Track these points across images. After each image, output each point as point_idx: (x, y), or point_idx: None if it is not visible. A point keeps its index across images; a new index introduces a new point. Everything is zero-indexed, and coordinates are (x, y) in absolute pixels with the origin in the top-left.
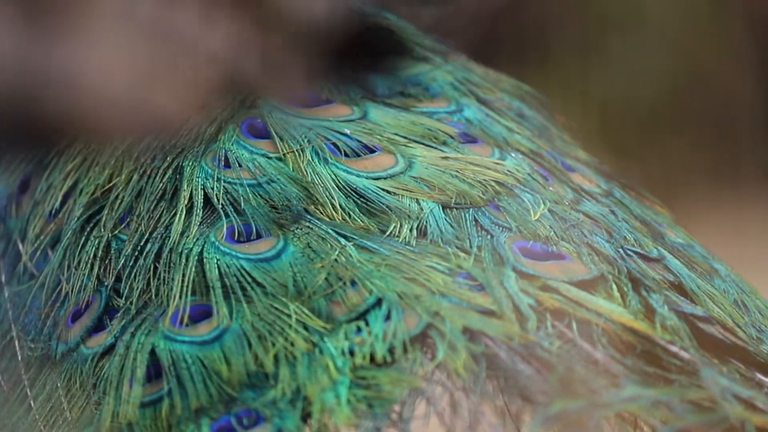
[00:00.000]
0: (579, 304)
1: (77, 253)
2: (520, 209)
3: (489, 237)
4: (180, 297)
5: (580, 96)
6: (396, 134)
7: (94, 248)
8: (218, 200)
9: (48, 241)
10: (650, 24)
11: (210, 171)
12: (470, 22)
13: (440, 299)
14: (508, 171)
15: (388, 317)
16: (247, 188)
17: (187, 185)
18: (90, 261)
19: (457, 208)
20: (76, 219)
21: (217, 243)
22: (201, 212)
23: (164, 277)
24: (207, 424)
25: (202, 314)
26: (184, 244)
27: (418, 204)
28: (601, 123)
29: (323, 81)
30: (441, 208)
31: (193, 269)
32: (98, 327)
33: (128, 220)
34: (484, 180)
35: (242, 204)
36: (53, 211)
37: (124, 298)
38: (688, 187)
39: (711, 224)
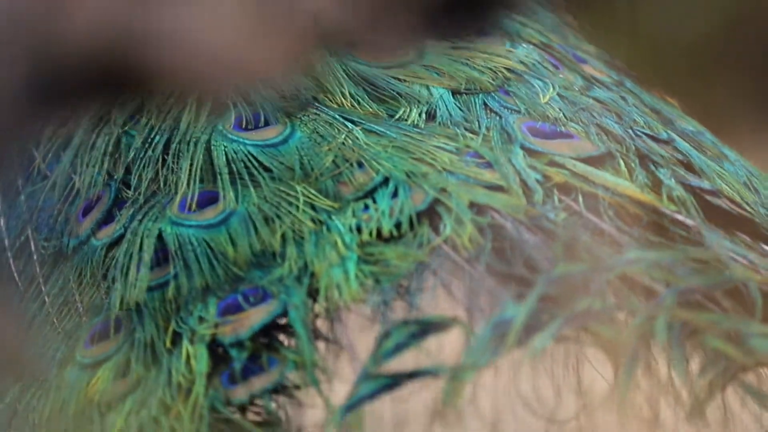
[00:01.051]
0: (586, 178)
1: (88, 150)
2: (529, 93)
3: (498, 118)
4: (187, 184)
5: (628, 33)
6: None
7: (104, 144)
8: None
9: (60, 143)
10: None
11: None
12: None
13: (447, 176)
14: (519, 59)
15: (395, 194)
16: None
17: None
18: (100, 157)
19: (466, 93)
20: (87, 118)
21: (224, 131)
22: (210, 104)
23: (172, 166)
24: (214, 303)
25: (208, 200)
26: (192, 134)
27: (428, 90)
28: (650, 60)
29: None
30: (451, 93)
31: (201, 157)
32: (108, 219)
33: (138, 116)
34: (495, 67)
35: (251, 97)
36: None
37: (133, 190)
38: (737, 125)
39: (759, 163)
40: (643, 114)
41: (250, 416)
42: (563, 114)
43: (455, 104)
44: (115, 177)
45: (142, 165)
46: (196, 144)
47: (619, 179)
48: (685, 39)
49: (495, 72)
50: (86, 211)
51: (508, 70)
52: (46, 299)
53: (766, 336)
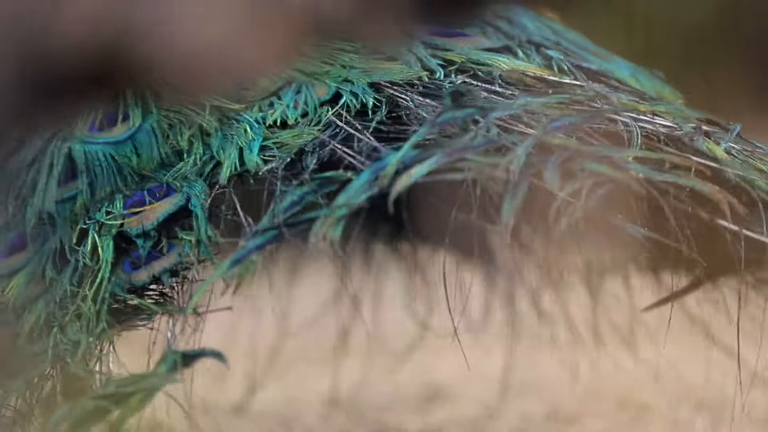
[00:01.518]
0: (481, 62)
1: None
2: None
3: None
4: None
5: (624, 16)
6: None
7: None
8: None
9: None
10: None
11: None
12: None
13: (349, 70)
14: None
15: (298, 92)
16: None
17: None
18: None
19: None
20: None
21: None
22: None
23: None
24: (120, 199)
25: (115, 119)
26: None
27: None
28: (645, 45)
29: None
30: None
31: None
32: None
33: None
34: None
35: None
36: None
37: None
38: (733, 113)
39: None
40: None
41: (147, 299)
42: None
43: None
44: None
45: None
46: None
47: (516, 61)
48: (680, 23)
49: None
50: None
51: None
52: None
53: (639, 161)
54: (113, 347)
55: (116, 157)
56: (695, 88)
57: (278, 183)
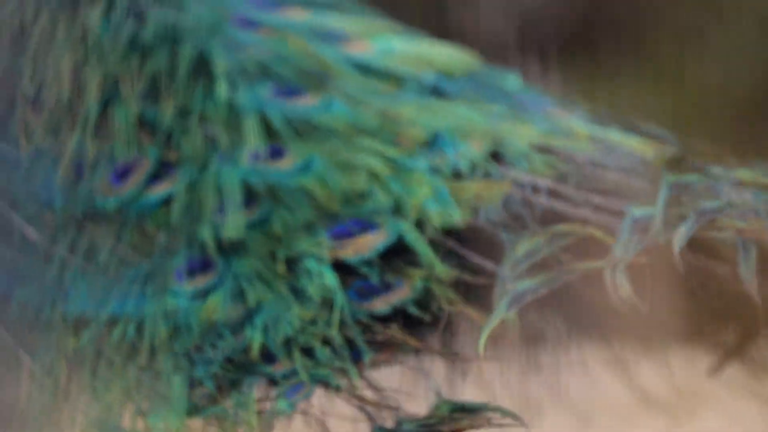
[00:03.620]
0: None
1: (104, 128)
2: (500, 79)
3: (496, 92)
4: (253, 140)
5: (675, 84)
6: (359, 28)
7: (124, 119)
8: (252, 70)
9: (51, 127)
10: (747, 10)
11: (230, 50)
12: (566, 7)
13: (494, 126)
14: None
15: (453, 144)
16: (274, 60)
17: (218, 60)
18: (121, 131)
19: (448, 76)
20: (92, 104)
21: (266, 99)
22: (237, 79)
23: (222, 129)
24: (322, 231)
25: (274, 153)
26: (235, 99)
27: (419, 72)
28: (697, 112)
29: None
30: (438, 74)
31: (256, 118)
32: (154, 179)
33: (154, 95)
34: (454, 59)
35: (277, 70)
36: (53, 104)
37: (180, 153)
38: None
39: None
40: None
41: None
42: None
43: (448, 81)
44: (152, 144)
45: (184, 133)
46: (239, 109)
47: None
48: (731, 90)
49: (461, 62)
50: (121, 176)
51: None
52: (78, 259)
53: None
54: (368, 373)
55: (303, 188)
56: (746, 151)
57: (499, 230)
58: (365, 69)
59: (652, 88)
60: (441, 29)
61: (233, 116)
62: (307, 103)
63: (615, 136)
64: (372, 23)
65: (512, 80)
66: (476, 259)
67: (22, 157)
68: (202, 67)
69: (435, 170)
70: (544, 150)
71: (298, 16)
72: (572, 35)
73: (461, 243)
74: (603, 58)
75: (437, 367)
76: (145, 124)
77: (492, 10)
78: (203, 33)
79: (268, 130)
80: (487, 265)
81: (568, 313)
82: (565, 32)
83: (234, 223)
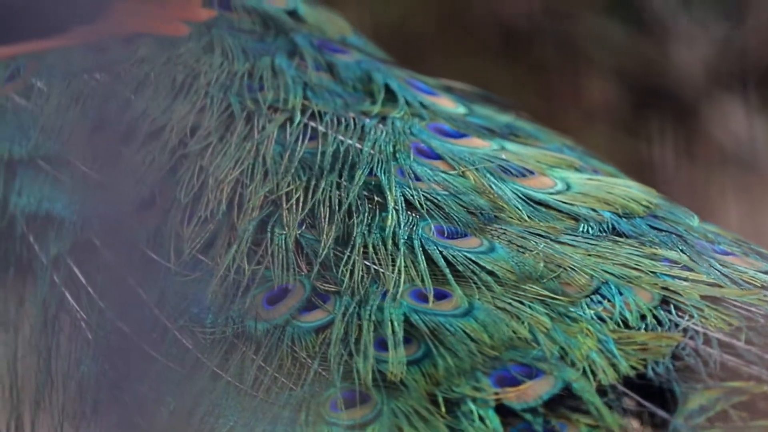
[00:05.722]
0: None
1: (260, 249)
2: (679, 218)
3: (671, 235)
4: (421, 280)
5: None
6: (538, 162)
7: (278, 245)
8: (421, 205)
9: (204, 240)
10: None
11: (403, 182)
12: (761, 43)
13: (661, 276)
14: (640, 193)
15: (621, 292)
16: (444, 197)
17: (391, 191)
18: (278, 255)
19: (626, 216)
20: (250, 221)
21: (430, 238)
22: (405, 214)
23: (386, 263)
24: (483, 376)
25: (437, 295)
26: (401, 234)
27: (596, 211)
28: None
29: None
30: (615, 215)
31: (422, 256)
32: (308, 307)
33: (309, 221)
34: (635, 197)
35: (445, 208)
36: (208, 216)
37: (339, 283)
38: None
39: None
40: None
41: None
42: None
43: (625, 223)
44: (306, 273)
45: (341, 263)
46: (411, 246)
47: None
48: None
49: (638, 201)
50: (273, 301)
51: (643, 201)
52: (237, 381)
53: None
54: None
55: (465, 330)
56: None
57: (670, 381)
58: (539, 206)
59: None
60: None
61: (396, 251)
62: (470, 246)
63: None
64: (553, 154)
65: (693, 219)
66: (646, 409)
67: (174, 269)
68: (371, 196)
69: (601, 319)
70: (716, 300)
71: (479, 145)
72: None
73: (630, 392)
74: None
75: None
76: (303, 249)
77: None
78: (381, 160)
79: (432, 270)
80: (658, 415)
81: None
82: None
83: (397, 361)
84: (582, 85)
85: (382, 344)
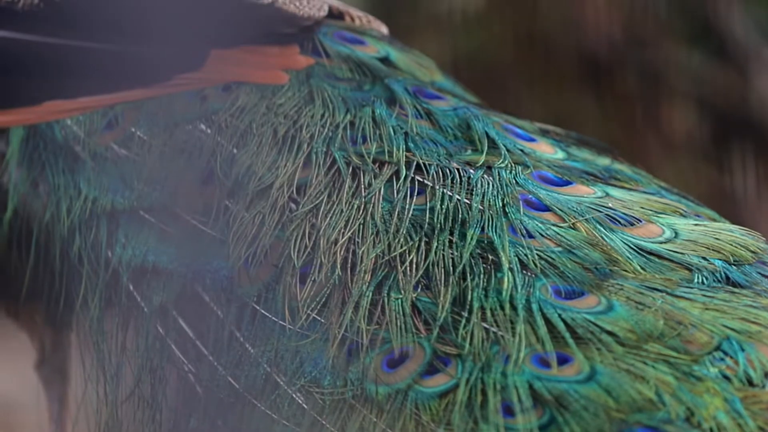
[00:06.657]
0: None
1: (376, 311)
2: None
3: None
4: (542, 345)
5: None
6: (643, 208)
7: (396, 310)
8: (535, 264)
9: (316, 303)
10: None
11: (516, 241)
12: None
13: None
14: (746, 238)
15: (743, 348)
16: (558, 254)
17: (504, 251)
18: (396, 319)
19: (737, 264)
20: (366, 284)
21: (547, 300)
22: (520, 275)
23: (505, 327)
24: None
25: (559, 360)
26: (519, 298)
27: (707, 260)
28: None
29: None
30: (726, 263)
31: (541, 320)
32: (429, 371)
33: (425, 282)
34: (742, 243)
35: (560, 266)
36: (323, 279)
37: (459, 347)
38: None
39: None
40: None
41: None
42: None
43: (736, 271)
44: (426, 336)
45: (461, 327)
46: (529, 309)
47: None
48: None
49: (745, 247)
50: (392, 364)
51: (749, 247)
52: None
53: None
54: None
55: (589, 396)
56: None
57: None
58: (651, 257)
59: None
60: (727, 92)
61: (515, 315)
62: (588, 306)
63: None
64: (657, 199)
65: None
66: None
67: (288, 329)
68: (485, 255)
69: (725, 377)
70: None
71: (585, 192)
72: None
73: None
74: None
75: None
76: (420, 312)
77: None
78: (491, 216)
79: (551, 333)
80: None
81: None
82: None
83: (525, 428)
84: (664, 115)
85: (506, 410)
